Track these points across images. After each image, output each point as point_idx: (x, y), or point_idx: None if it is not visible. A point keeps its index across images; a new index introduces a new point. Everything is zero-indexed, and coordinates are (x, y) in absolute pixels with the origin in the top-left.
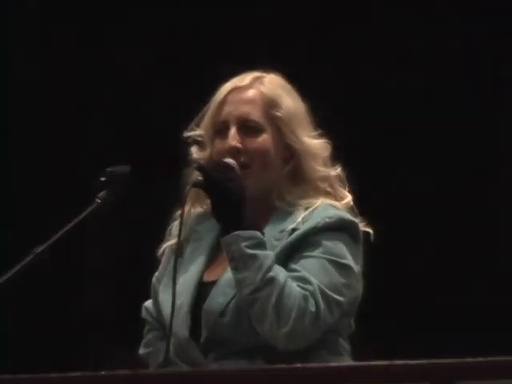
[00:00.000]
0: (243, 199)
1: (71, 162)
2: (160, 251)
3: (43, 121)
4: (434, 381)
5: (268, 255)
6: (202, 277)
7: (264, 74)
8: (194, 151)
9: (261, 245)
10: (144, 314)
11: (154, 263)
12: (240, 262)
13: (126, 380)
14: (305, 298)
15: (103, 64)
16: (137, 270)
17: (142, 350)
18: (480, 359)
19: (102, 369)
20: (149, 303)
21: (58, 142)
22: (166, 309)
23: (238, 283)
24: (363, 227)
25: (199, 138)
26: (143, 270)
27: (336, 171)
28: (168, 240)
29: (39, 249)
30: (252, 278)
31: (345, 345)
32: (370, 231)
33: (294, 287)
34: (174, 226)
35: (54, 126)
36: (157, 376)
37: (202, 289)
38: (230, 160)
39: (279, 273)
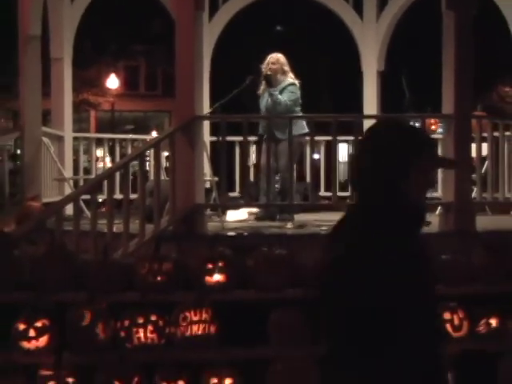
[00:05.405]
0: (272, 81)
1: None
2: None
3: None
4: None
5: (278, 94)
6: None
7: (276, 53)
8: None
9: (277, 92)
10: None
11: None
12: (273, 92)
13: None
14: (285, 101)
15: None
16: None
17: None
18: None
19: None
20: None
21: None
22: (263, 106)
23: (271, 97)
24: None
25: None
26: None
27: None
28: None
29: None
30: (273, 94)
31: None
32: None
33: (282, 98)
34: (262, 87)
35: None
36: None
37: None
38: (269, 72)
39: (280, 96)
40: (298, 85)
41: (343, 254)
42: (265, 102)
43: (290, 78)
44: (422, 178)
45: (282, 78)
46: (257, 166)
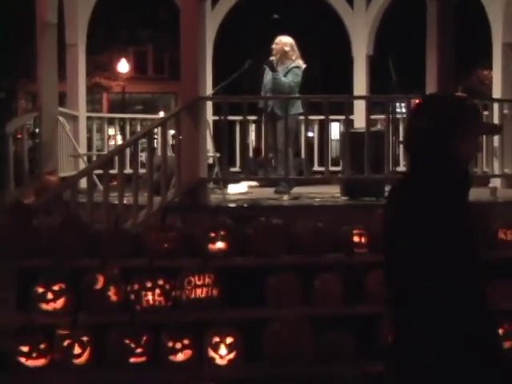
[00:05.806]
0: (274, 66)
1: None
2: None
3: None
4: None
5: (281, 76)
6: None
7: (285, 35)
8: (271, 57)
9: (280, 73)
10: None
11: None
12: (276, 76)
13: None
14: (290, 82)
15: None
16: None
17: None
18: None
19: None
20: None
21: None
22: (266, 83)
23: (275, 80)
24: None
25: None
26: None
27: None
28: (266, 70)
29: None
30: (276, 77)
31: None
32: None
33: (286, 79)
34: (266, 70)
35: None
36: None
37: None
38: (273, 58)
39: (283, 77)
40: (302, 68)
41: (407, 217)
42: (268, 79)
43: (296, 60)
44: (469, 144)
45: (284, 59)
46: (257, 141)
